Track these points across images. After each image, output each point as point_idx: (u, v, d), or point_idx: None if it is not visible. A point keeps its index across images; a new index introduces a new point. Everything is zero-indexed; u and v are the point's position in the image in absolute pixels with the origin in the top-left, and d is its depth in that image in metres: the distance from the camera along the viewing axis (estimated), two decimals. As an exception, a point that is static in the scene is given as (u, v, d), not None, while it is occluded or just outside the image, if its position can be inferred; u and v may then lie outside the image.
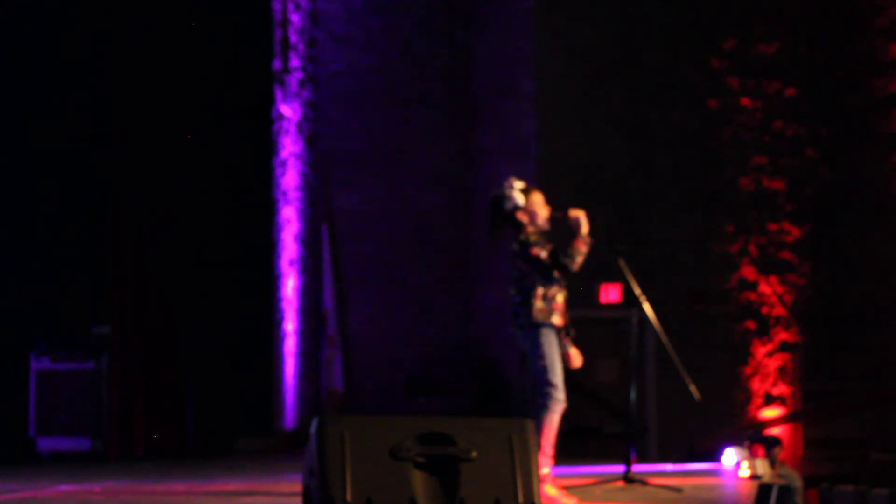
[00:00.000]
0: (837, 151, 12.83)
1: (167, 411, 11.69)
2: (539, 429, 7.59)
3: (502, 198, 7.93)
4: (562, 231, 7.97)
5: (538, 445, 7.44)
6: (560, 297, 7.82)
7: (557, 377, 7.69)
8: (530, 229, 7.86)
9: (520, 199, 7.91)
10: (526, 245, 7.80)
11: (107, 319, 11.60)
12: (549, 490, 7.52)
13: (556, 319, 7.75)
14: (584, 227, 7.89)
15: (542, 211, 7.95)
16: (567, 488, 7.88)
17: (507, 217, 7.91)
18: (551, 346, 7.72)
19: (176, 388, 11.76)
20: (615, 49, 12.46)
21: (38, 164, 11.80)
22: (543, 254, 7.77)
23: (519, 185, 7.96)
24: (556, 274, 7.82)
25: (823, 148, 12.83)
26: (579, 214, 7.93)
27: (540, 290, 7.75)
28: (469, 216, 13.00)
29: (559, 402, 7.67)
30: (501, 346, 12.18)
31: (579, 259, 7.80)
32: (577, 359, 7.95)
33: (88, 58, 11.73)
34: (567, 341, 7.89)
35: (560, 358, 7.78)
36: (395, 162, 13.04)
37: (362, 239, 12.86)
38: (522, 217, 7.89)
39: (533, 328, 7.73)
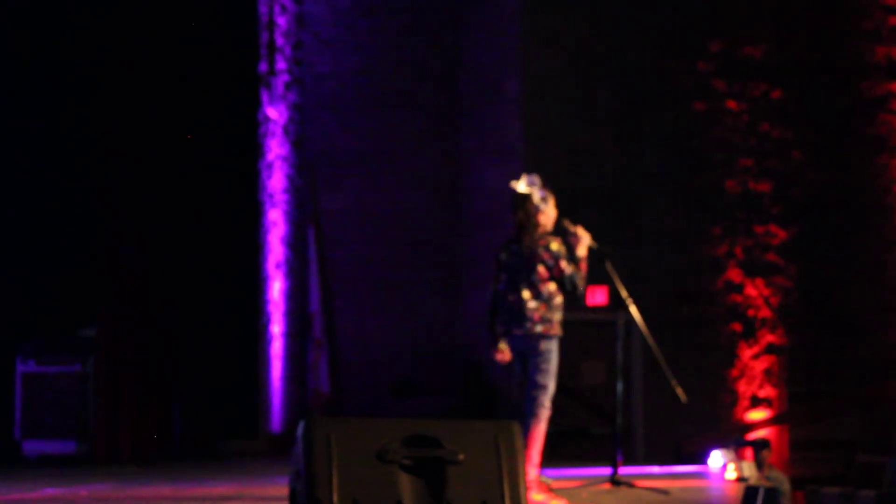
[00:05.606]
0: (824, 154, 12.85)
1: (153, 414, 11.65)
2: (528, 437, 7.67)
3: (528, 195, 8.01)
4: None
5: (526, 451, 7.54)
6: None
7: (553, 388, 7.86)
8: (542, 231, 7.95)
9: (545, 200, 8.01)
10: (558, 258, 7.88)
11: (93, 322, 11.58)
12: (536, 496, 7.54)
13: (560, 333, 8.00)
14: (583, 250, 8.00)
15: (553, 213, 8.07)
16: (553, 490, 7.89)
17: (530, 216, 8.00)
18: (557, 357, 7.92)
19: (162, 390, 11.72)
20: (602, 51, 12.46)
21: (24, 169, 11.77)
22: (568, 270, 7.88)
23: (539, 183, 8.05)
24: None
25: (810, 150, 12.85)
26: (584, 236, 8.04)
27: (560, 300, 7.91)
28: (456, 218, 12.99)
29: (548, 411, 7.85)
30: (488, 349, 12.15)
31: (583, 284, 7.97)
32: None
33: (77, 61, 11.70)
34: None
35: None
36: (382, 164, 13.03)
37: (349, 241, 12.85)
38: (543, 220, 7.98)
39: (548, 340, 7.86)
